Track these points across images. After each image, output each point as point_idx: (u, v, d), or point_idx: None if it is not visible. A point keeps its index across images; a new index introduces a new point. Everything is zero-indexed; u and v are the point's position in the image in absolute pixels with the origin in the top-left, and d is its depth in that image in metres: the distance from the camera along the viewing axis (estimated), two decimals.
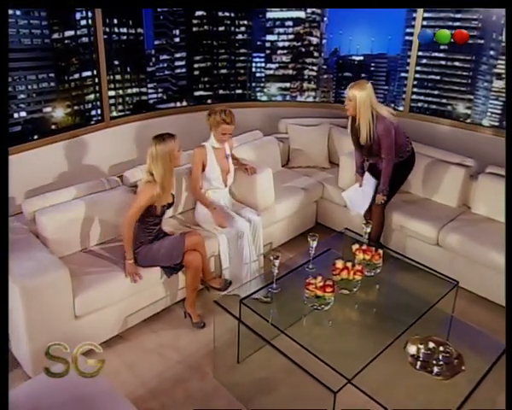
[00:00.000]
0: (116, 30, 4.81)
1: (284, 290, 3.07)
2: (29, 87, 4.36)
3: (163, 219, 3.36)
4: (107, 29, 4.67)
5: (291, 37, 5.57)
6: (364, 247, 3.26)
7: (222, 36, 5.44)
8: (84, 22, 4.49)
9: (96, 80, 4.63)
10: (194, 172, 3.68)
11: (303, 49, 5.62)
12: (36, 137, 4.33)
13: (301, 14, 5.49)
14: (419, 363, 2.63)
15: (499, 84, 4.67)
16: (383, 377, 2.62)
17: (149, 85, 5.24)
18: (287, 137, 4.97)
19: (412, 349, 2.68)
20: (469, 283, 3.69)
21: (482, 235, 3.71)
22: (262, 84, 5.73)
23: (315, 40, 5.58)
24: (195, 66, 5.44)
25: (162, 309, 3.46)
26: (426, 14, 4.77)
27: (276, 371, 2.94)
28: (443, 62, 5.01)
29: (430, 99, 5.11)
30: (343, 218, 4.30)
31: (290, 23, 5.53)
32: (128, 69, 5.01)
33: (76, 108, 4.68)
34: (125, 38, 4.90)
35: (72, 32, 4.47)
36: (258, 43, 5.60)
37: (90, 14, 4.42)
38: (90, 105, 4.75)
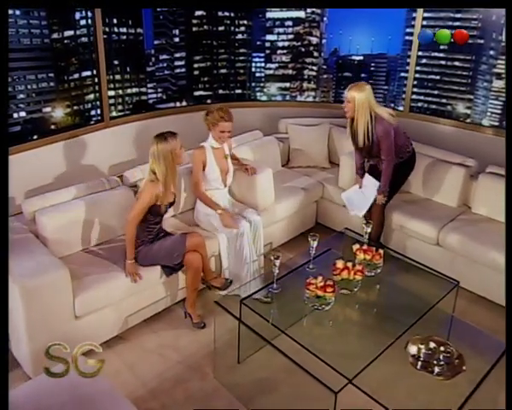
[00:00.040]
0: (116, 30, 4.80)
1: (284, 290, 3.07)
2: (28, 87, 4.35)
3: (164, 218, 3.36)
4: (107, 29, 4.67)
5: (291, 37, 5.57)
6: (365, 247, 3.25)
7: (222, 36, 5.44)
8: (83, 22, 4.49)
9: (96, 80, 4.63)
10: (196, 174, 3.67)
11: (303, 49, 5.62)
12: (35, 137, 4.32)
13: (301, 13, 5.48)
14: (420, 363, 2.62)
15: (499, 83, 4.67)
16: (384, 377, 2.62)
17: (149, 85, 5.24)
18: (287, 137, 4.96)
19: (413, 349, 2.68)
20: (469, 283, 3.69)
21: (482, 235, 3.71)
22: (262, 84, 5.73)
23: (315, 40, 5.58)
24: (195, 66, 5.44)
25: (162, 309, 3.46)
26: (426, 14, 4.77)
27: (277, 371, 2.94)
28: (443, 62, 5.01)
29: (430, 99, 5.11)
30: (343, 218, 4.30)
31: (290, 23, 5.53)
32: (128, 69, 5.01)
33: (76, 107, 4.67)
34: (124, 37, 4.90)
35: (71, 32, 4.46)
36: (258, 42, 5.60)
37: (89, 13, 4.42)
38: (89, 105, 4.75)
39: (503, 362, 2.49)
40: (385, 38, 5.36)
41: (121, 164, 4.51)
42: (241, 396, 2.84)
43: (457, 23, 4.75)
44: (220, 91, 5.62)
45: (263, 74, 5.70)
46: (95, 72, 4.60)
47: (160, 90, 5.34)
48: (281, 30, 5.55)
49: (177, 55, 5.32)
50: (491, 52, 4.70)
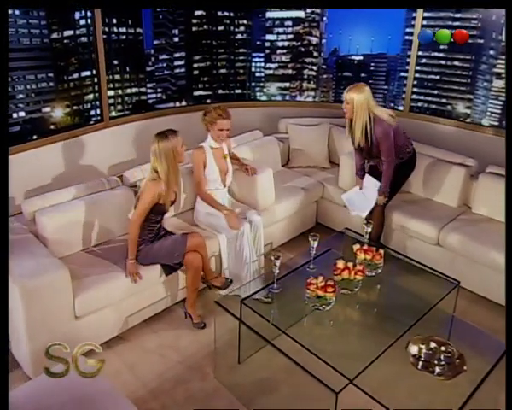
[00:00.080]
0: (115, 30, 4.80)
1: (285, 291, 3.06)
2: (28, 87, 4.35)
3: (164, 217, 3.36)
4: (107, 29, 4.67)
5: (290, 36, 5.57)
6: (365, 247, 3.25)
7: (221, 35, 5.43)
8: (83, 22, 4.48)
9: (96, 80, 4.62)
10: (198, 175, 3.65)
11: (302, 49, 5.62)
12: (35, 137, 4.32)
13: (301, 13, 5.48)
14: (421, 363, 2.62)
15: (499, 83, 4.67)
16: (385, 377, 2.62)
17: (149, 85, 5.23)
18: (287, 137, 4.96)
19: (414, 349, 2.67)
20: (470, 282, 3.68)
21: (482, 235, 3.71)
22: (261, 84, 5.72)
23: (314, 40, 5.58)
24: (195, 65, 5.44)
25: (163, 309, 3.45)
26: (426, 14, 4.77)
27: (277, 371, 2.94)
28: (443, 62, 5.02)
29: (430, 99, 5.11)
30: (343, 218, 4.30)
31: (290, 23, 5.53)
32: (127, 69, 5.01)
33: (75, 107, 4.67)
34: (124, 37, 4.90)
35: (71, 32, 4.46)
36: (258, 42, 5.60)
37: (89, 13, 4.42)
38: (89, 105, 4.74)
39: (503, 362, 2.48)
40: (385, 37, 5.36)
41: (121, 164, 4.50)
42: (242, 396, 2.84)
43: (457, 23, 4.75)
44: (220, 91, 5.61)
45: (263, 74, 5.69)
46: (94, 72, 4.59)
47: (159, 90, 5.34)
48: (280, 30, 5.55)
49: (177, 54, 5.32)
50: (491, 52, 4.71)
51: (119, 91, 4.97)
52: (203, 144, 3.71)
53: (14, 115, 4.28)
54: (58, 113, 4.54)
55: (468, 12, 4.69)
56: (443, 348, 2.65)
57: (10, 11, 4.00)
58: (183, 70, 5.40)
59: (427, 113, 5.07)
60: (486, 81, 4.78)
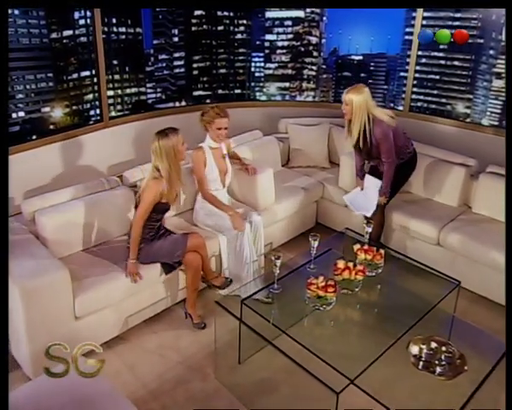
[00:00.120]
0: (115, 29, 4.80)
1: (285, 291, 3.06)
2: (27, 87, 4.34)
3: (165, 215, 3.36)
4: (106, 29, 4.66)
5: (290, 36, 5.57)
6: (366, 247, 3.25)
7: (221, 35, 5.43)
8: (82, 22, 4.48)
9: (95, 80, 4.61)
10: (200, 176, 3.64)
11: (302, 49, 5.62)
12: (34, 137, 4.31)
13: (300, 13, 5.48)
14: (421, 363, 2.62)
15: (499, 83, 4.67)
16: (385, 377, 2.62)
17: (148, 85, 5.23)
18: (287, 137, 4.96)
19: (414, 349, 2.67)
20: (470, 282, 3.68)
21: (483, 234, 3.71)
22: (261, 84, 5.72)
23: (314, 40, 5.57)
24: (194, 65, 5.43)
25: (163, 310, 3.45)
26: (426, 14, 4.77)
27: (278, 371, 2.93)
28: (442, 62, 5.01)
29: (430, 99, 5.11)
30: (343, 218, 4.30)
31: (289, 23, 5.52)
32: (127, 69, 5.00)
33: (74, 107, 4.66)
34: (123, 37, 4.89)
35: (70, 32, 4.45)
36: (258, 42, 5.59)
37: (88, 13, 4.41)
38: (88, 105, 4.74)
39: (504, 362, 2.48)
40: (384, 37, 5.36)
41: (120, 164, 4.50)
42: (242, 397, 2.83)
43: (457, 23, 4.75)
44: (219, 91, 5.61)
45: (262, 74, 5.69)
46: (94, 72, 4.59)
47: (159, 89, 5.33)
48: (280, 30, 5.55)
49: (177, 54, 5.32)
50: (491, 52, 4.71)
51: (119, 91, 4.96)
52: (202, 145, 3.70)
53: (14, 115, 4.27)
54: (57, 113, 4.54)
55: (467, 12, 4.69)
56: (444, 349, 2.65)
57: (10, 11, 4.00)
58: (182, 70, 5.39)
59: (427, 113, 5.07)
60: (486, 81, 4.78)
